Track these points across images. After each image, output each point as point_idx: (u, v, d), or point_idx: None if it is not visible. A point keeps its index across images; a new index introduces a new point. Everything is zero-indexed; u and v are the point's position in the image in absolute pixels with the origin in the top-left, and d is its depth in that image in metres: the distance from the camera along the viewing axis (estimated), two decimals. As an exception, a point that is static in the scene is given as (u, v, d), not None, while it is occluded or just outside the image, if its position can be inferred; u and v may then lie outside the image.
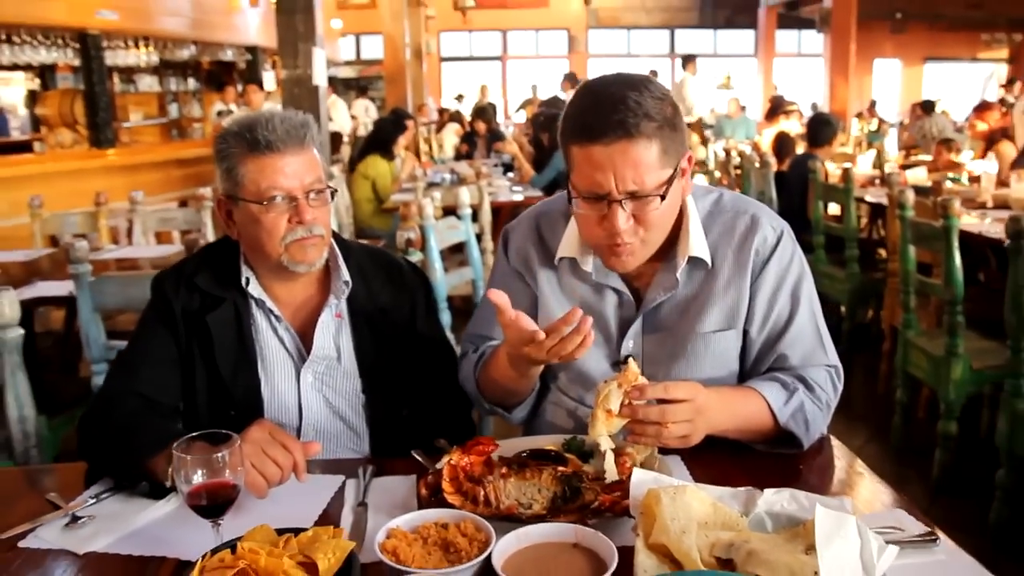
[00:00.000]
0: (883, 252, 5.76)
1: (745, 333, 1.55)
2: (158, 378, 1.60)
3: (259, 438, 1.30)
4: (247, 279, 1.63)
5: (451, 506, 1.20)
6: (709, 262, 1.53)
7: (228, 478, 1.09)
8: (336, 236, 1.72)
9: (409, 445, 1.49)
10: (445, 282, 3.24)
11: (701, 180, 7.20)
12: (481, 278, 3.53)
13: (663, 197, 1.38)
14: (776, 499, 1.16)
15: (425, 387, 1.74)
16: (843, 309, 4.89)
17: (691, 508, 1.10)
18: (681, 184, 1.46)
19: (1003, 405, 2.73)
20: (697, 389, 1.34)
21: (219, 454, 1.08)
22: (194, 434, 1.11)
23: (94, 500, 1.34)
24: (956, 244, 3.06)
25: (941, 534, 1.18)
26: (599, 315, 1.56)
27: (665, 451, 1.40)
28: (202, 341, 1.63)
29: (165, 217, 4.63)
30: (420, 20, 14.37)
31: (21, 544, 1.23)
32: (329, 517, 1.29)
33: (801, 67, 18.37)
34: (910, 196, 3.41)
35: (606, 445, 1.28)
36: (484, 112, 9.93)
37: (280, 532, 1.06)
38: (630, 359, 1.33)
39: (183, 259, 1.79)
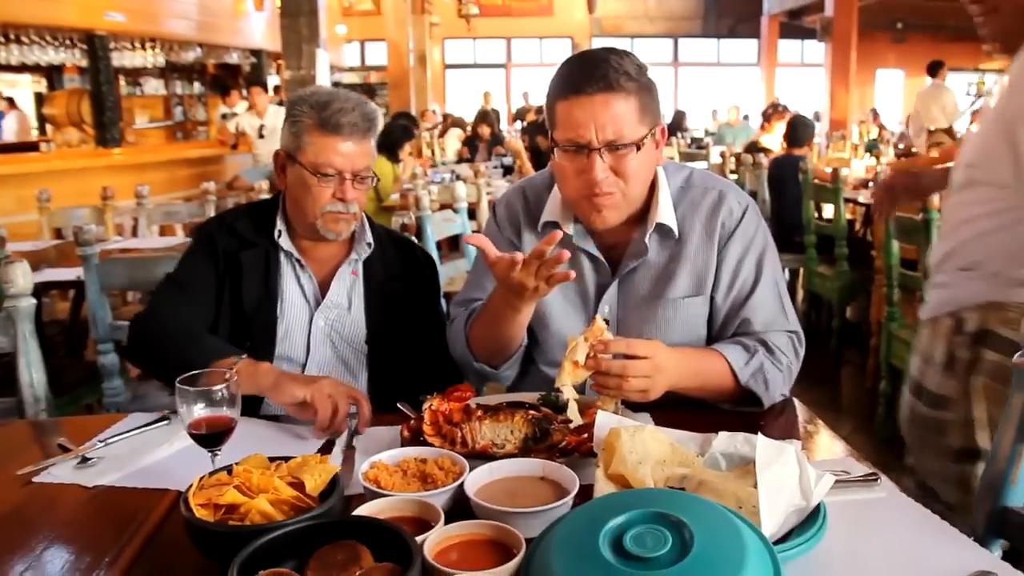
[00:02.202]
0: (874, 252, 5.87)
1: (712, 299, 1.65)
2: (198, 300, 1.79)
3: (330, 385, 1.49)
4: (279, 231, 1.82)
5: (431, 447, 1.30)
6: (676, 231, 1.64)
7: (226, 412, 1.20)
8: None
9: (400, 398, 1.59)
10: (441, 272, 3.34)
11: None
12: (476, 270, 3.63)
13: (639, 147, 1.49)
14: (731, 441, 1.25)
15: (421, 351, 1.88)
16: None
17: (649, 445, 1.20)
18: (655, 150, 1.57)
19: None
20: (657, 347, 1.45)
21: (219, 387, 1.19)
22: (195, 372, 1.21)
23: (102, 444, 1.44)
24: (935, 237, 3.16)
25: (883, 476, 1.28)
26: (577, 280, 1.67)
27: (636, 408, 1.50)
28: (233, 277, 1.81)
29: (169, 211, 4.75)
30: (424, 27, 14.53)
31: (36, 479, 1.34)
32: (319, 459, 1.39)
33: (803, 76, 18.53)
34: (893, 192, 3.50)
35: (569, 394, 1.39)
36: (487, 117, 10.06)
37: (272, 460, 1.16)
38: (598, 316, 1.44)
39: (226, 210, 2.04)
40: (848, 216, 5.42)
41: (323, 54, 6.12)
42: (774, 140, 7.76)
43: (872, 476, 1.27)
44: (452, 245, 4.93)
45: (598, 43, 19.25)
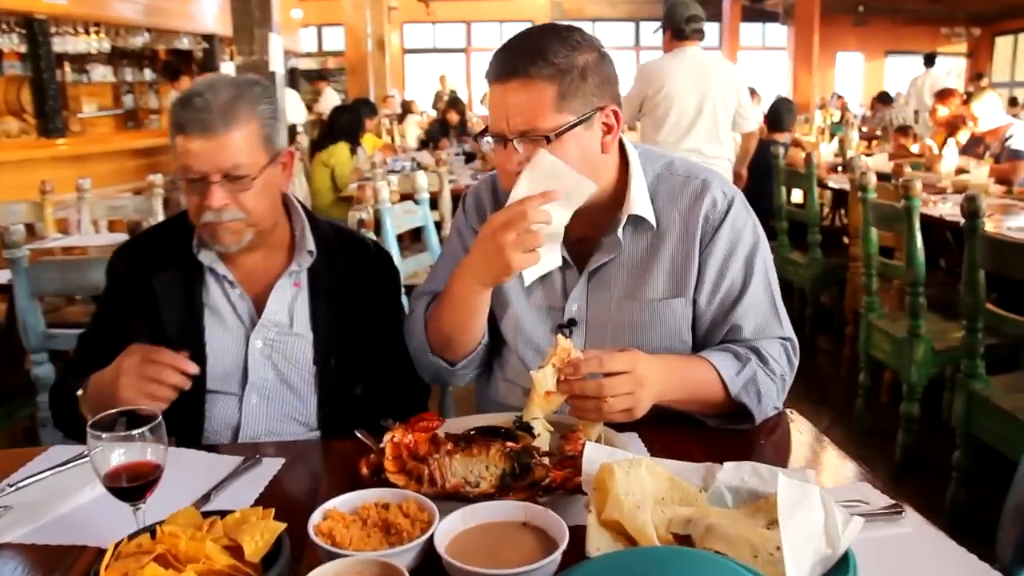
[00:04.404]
0: (845, 239, 5.79)
1: (695, 302, 1.50)
2: (112, 348, 1.54)
3: (131, 365, 1.34)
4: (199, 247, 1.60)
5: (394, 486, 1.13)
6: (653, 222, 1.48)
7: (150, 458, 1.01)
8: (306, 211, 1.71)
9: (359, 424, 1.42)
10: (402, 267, 3.16)
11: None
12: (440, 263, 3.45)
13: (548, 139, 1.34)
14: (736, 473, 1.11)
15: (382, 367, 1.69)
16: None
17: (646, 483, 1.04)
18: (598, 137, 1.41)
19: (959, 387, 2.71)
20: (636, 359, 1.28)
21: (139, 431, 1.00)
22: (112, 411, 1.03)
23: (11, 489, 1.25)
24: (918, 225, 3.05)
25: (907, 507, 1.14)
26: (543, 279, 1.52)
27: (621, 428, 1.34)
28: (147, 306, 1.59)
29: (114, 205, 4.49)
30: (383, 11, 14.23)
31: (-71, 535, 1.14)
32: (265, 502, 1.21)
33: (765, 60, 18.48)
34: (872, 178, 3.40)
35: (540, 428, 1.24)
36: (458, 103, 9.88)
37: (206, 515, 0.98)
38: (559, 335, 1.29)
39: (135, 234, 1.81)
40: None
41: (276, 39, 5.85)
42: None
43: (896, 509, 1.13)
44: (414, 237, 4.73)
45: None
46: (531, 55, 1.34)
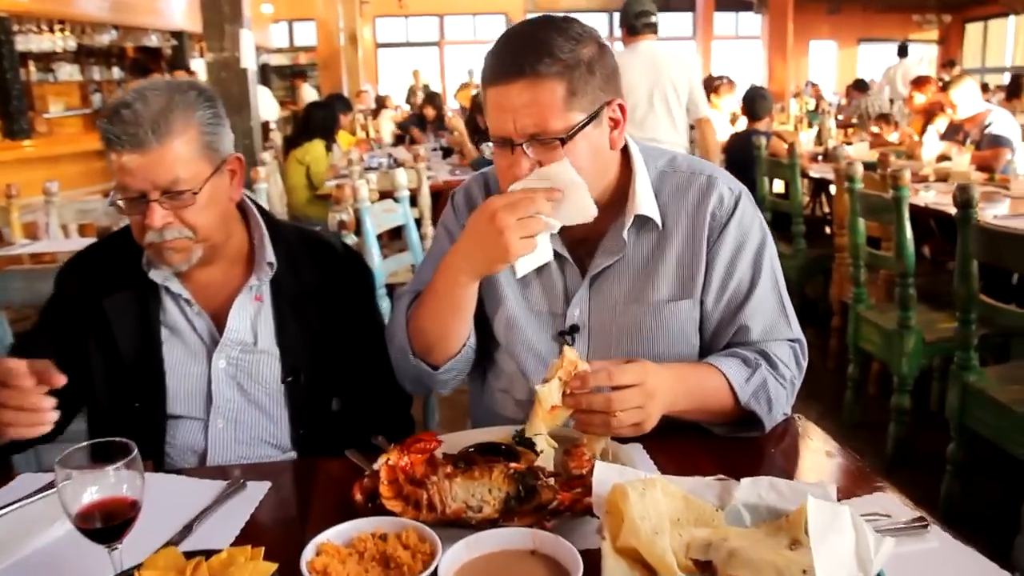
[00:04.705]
0: (828, 228, 5.77)
1: (701, 303, 1.43)
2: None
3: None
4: (149, 265, 1.49)
5: (390, 513, 1.05)
6: (659, 222, 1.42)
7: (126, 493, 0.93)
8: (265, 215, 1.59)
9: (339, 441, 1.35)
10: (383, 268, 3.08)
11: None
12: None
13: (563, 141, 1.27)
14: (753, 489, 1.05)
15: (359, 379, 1.60)
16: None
17: (662, 505, 0.97)
18: (606, 133, 1.35)
19: (953, 379, 2.68)
20: (646, 371, 1.21)
21: (114, 465, 0.92)
22: (82, 444, 0.94)
23: (-24, 524, 1.16)
24: (907, 215, 3.01)
25: (931, 520, 1.08)
26: (543, 282, 1.45)
27: (624, 439, 1.27)
28: (100, 329, 1.48)
29: (84, 209, 4.35)
30: (354, 5, 14.07)
31: None
32: (252, 533, 1.13)
33: (739, 49, 18.49)
34: (859, 169, 3.36)
35: (544, 445, 1.17)
36: (434, 98, 9.77)
37: (189, 556, 0.90)
38: (565, 347, 1.21)
39: (88, 246, 1.65)
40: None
41: (247, 34, 5.73)
42: (720, 115, 7.61)
43: (921, 523, 1.07)
44: (392, 235, 4.64)
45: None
46: (536, 52, 1.25)
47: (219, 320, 1.52)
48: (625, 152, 1.44)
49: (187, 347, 1.52)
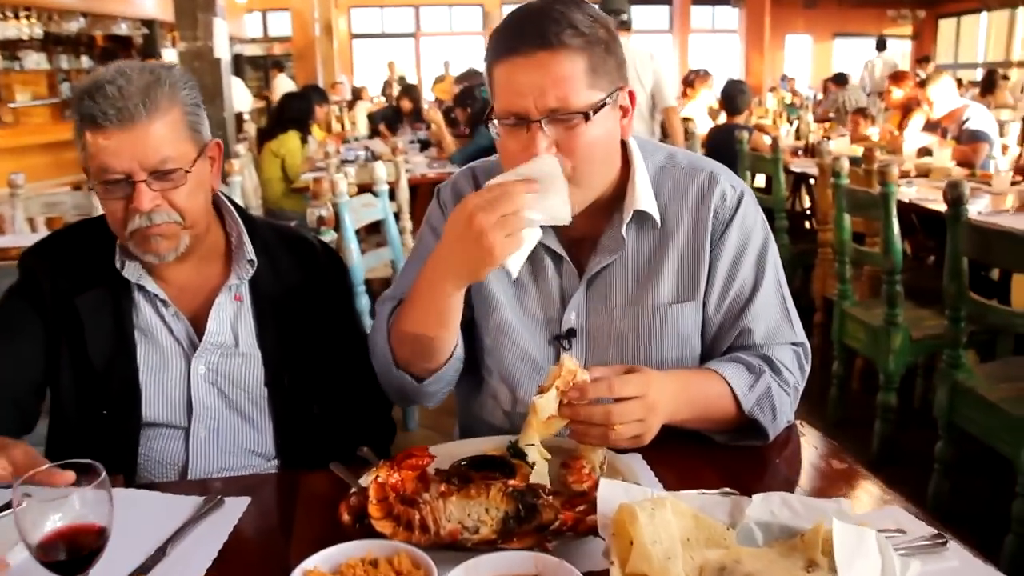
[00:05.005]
0: (808, 224, 5.76)
1: (703, 304, 1.37)
2: (13, 362, 1.38)
3: None
4: (122, 261, 1.40)
5: (380, 534, 0.98)
6: (658, 219, 1.35)
7: (93, 520, 0.85)
8: (242, 212, 1.51)
9: (321, 447, 1.28)
10: (362, 263, 3.01)
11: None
12: (400, 258, 3.29)
13: (587, 117, 1.19)
14: (765, 506, 0.99)
15: (338, 381, 1.53)
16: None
17: (672, 526, 0.91)
18: (618, 119, 1.28)
19: (941, 377, 2.65)
20: (648, 382, 1.15)
21: (79, 489, 0.84)
22: (43, 468, 0.86)
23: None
24: (895, 212, 2.98)
25: (950, 536, 1.03)
26: (537, 284, 1.38)
27: (622, 450, 1.21)
28: (71, 329, 1.39)
29: (51, 202, 4.21)
30: (330, -5, 13.90)
31: None
32: (231, 556, 1.06)
33: (716, 43, 18.50)
34: (845, 164, 3.32)
35: (536, 456, 1.11)
36: (411, 91, 9.64)
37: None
38: (564, 356, 1.14)
39: (54, 231, 1.55)
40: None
41: (221, 23, 5.61)
42: (697, 108, 7.58)
43: (940, 540, 1.02)
44: (370, 229, 4.56)
45: (509, 11, 18.76)
46: (558, 23, 1.18)
47: (197, 323, 1.44)
48: (623, 147, 1.37)
49: (163, 351, 1.43)
